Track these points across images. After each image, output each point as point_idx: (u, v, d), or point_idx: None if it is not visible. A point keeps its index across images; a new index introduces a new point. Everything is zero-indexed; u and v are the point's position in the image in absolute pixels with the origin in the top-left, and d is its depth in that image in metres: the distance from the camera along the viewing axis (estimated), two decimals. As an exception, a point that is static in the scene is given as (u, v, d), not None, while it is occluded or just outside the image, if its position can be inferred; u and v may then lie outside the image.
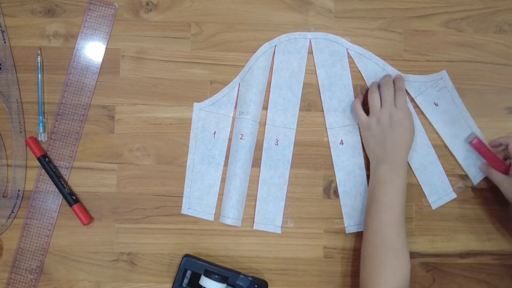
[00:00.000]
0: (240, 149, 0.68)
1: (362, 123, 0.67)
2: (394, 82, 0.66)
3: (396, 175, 0.63)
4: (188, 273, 0.64)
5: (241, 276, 0.64)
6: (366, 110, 0.67)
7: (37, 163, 0.67)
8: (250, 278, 0.64)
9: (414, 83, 0.69)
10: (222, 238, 0.68)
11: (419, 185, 0.69)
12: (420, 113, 0.69)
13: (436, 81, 0.69)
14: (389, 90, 0.65)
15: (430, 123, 0.69)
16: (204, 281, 0.62)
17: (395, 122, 0.64)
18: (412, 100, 0.69)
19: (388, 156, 0.64)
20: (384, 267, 0.59)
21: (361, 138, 0.68)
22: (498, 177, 0.64)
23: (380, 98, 0.66)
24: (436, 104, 0.69)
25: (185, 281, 0.64)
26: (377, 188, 0.63)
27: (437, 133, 0.69)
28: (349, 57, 0.70)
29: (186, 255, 0.65)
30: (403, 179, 0.63)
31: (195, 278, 0.64)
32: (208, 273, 0.62)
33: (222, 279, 0.62)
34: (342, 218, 0.69)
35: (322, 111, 0.70)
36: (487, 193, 0.69)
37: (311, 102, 0.70)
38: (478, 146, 0.66)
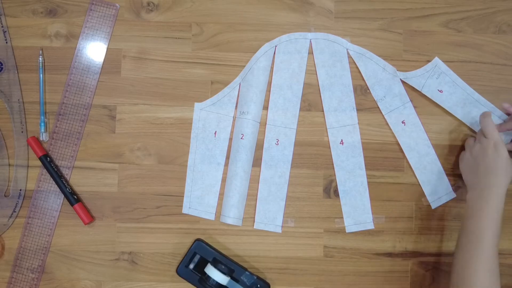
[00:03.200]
0: (241, 149, 0.68)
1: (468, 144, 0.66)
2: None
3: (487, 200, 0.58)
4: (197, 257, 0.65)
5: (247, 273, 0.64)
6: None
7: (39, 163, 0.68)
8: (255, 277, 0.64)
9: (413, 78, 0.70)
10: (223, 237, 0.68)
11: (419, 184, 0.69)
12: (420, 112, 0.70)
13: (432, 69, 0.70)
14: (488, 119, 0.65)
15: (445, 111, 0.70)
16: (210, 269, 0.62)
17: (493, 150, 0.62)
18: (411, 100, 0.70)
19: (479, 183, 0.61)
20: None
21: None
22: None
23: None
24: (441, 91, 0.70)
25: (192, 265, 0.65)
26: (466, 217, 0.60)
27: (457, 119, 0.70)
28: (349, 57, 0.70)
29: (198, 239, 0.66)
30: (495, 207, 0.58)
31: (202, 263, 0.64)
32: (216, 262, 0.63)
33: (227, 271, 0.62)
34: (342, 217, 0.69)
35: (322, 111, 0.70)
36: (487, 193, 0.70)
37: (311, 102, 0.70)
38: None
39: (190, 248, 0.65)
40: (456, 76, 0.70)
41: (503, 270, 0.69)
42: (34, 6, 0.69)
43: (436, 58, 0.70)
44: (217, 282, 0.62)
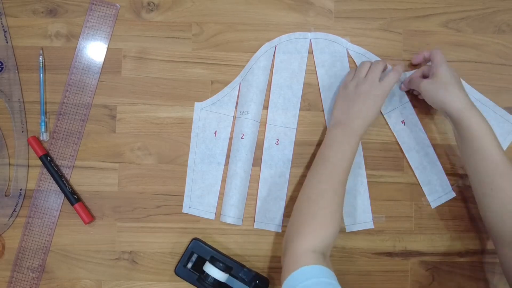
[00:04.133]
0: (241, 149, 0.68)
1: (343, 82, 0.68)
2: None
3: (348, 140, 0.62)
4: (194, 257, 0.65)
5: (245, 269, 0.64)
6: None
7: (39, 162, 0.68)
8: (254, 273, 0.64)
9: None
10: (223, 237, 0.69)
11: (419, 184, 0.69)
12: (419, 112, 0.70)
13: None
14: (379, 65, 0.65)
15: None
16: (208, 267, 0.62)
17: (369, 94, 0.63)
18: (410, 100, 0.70)
19: (346, 119, 0.64)
20: (314, 219, 0.59)
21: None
22: (418, 82, 0.65)
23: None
24: None
25: (190, 264, 0.65)
26: (326, 145, 0.64)
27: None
28: (349, 57, 0.70)
29: (195, 239, 0.66)
30: (354, 147, 0.62)
31: (200, 262, 0.65)
32: (213, 260, 0.63)
33: (226, 268, 0.62)
34: (342, 217, 0.69)
35: (322, 111, 0.70)
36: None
37: (311, 102, 0.70)
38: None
39: (187, 247, 0.66)
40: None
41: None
42: (35, 6, 0.70)
43: None
44: (215, 280, 0.62)
